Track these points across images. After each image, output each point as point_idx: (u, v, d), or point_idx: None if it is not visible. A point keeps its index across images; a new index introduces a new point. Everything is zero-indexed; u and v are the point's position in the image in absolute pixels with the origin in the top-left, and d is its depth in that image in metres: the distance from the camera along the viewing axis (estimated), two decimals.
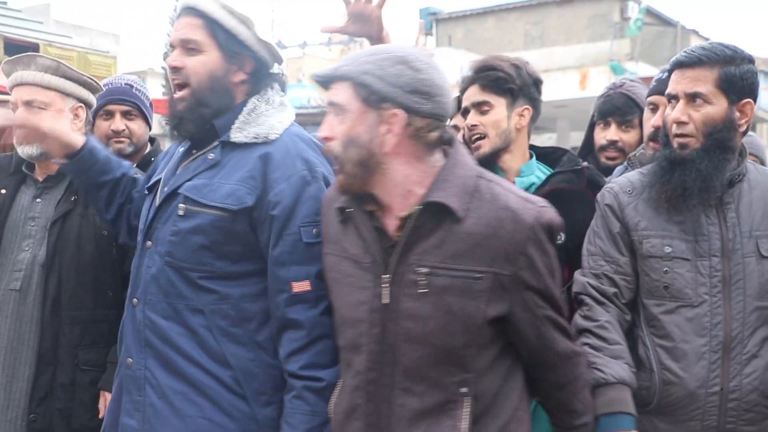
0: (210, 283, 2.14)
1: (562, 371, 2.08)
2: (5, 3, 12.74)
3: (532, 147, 2.88)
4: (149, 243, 2.24)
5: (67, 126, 2.61)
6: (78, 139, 2.38)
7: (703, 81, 2.29)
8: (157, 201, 2.28)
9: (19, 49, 12.56)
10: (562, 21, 30.73)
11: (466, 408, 1.91)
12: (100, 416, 2.79)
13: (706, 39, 30.73)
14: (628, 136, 3.13)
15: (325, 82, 2.01)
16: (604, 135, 3.20)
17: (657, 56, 26.70)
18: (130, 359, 2.23)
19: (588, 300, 2.35)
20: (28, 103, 2.86)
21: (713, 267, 2.30)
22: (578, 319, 2.36)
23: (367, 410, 1.96)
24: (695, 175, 2.28)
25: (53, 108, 2.88)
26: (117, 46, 27.24)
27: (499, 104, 2.65)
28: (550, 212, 1.99)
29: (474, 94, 2.70)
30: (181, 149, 2.37)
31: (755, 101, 2.42)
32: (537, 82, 2.78)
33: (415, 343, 1.91)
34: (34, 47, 12.40)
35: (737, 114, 2.34)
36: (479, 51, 23.24)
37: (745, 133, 2.43)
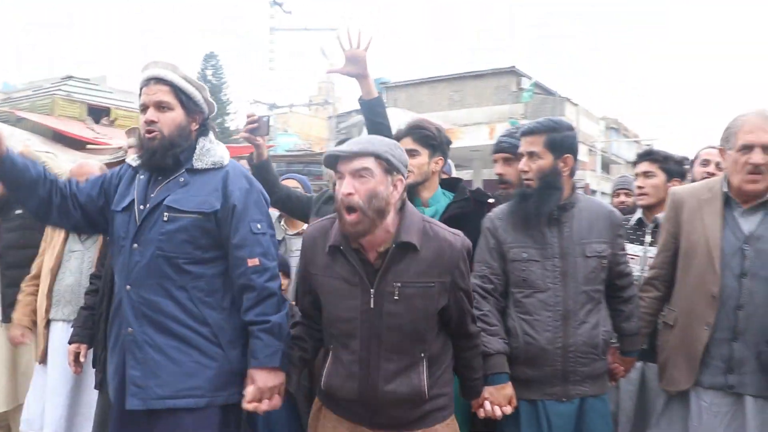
0: (190, 267, 2.60)
1: (467, 342, 2.65)
2: (88, 79, 16.33)
3: (441, 179, 3.32)
4: (135, 245, 2.60)
5: None
6: None
7: (537, 143, 2.85)
8: (137, 216, 2.63)
9: (97, 111, 15.29)
10: (476, 89, 33.91)
11: (423, 365, 2.49)
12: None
13: (576, 104, 33.40)
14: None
15: (350, 155, 2.37)
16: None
17: (542, 115, 31.09)
18: (130, 329, 2.58)
19: (476, 295, 2.78)
20: None
21: (555, 265, 2.86)
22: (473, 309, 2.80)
23: (361, 374, 2.47)
24: (532, 205, 2.86)
25: None
26: None
27: (424, 153, 3.16)
28: (467, 240, 2.55)
29: (408, 144, 3.13)
30: (141, 178, 2.70)
31: (575, 155, 2.90)
32: (448, 143, 3.30)
33: (393, 330, 2.45)
34: (107, 110, 15.46)
35: (561, 164, 2.87)
36: (417, 110, 26.24)
37: (571, 175, 2.93)
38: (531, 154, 2.89)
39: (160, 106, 2.63)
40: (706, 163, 4.06)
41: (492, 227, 2.98)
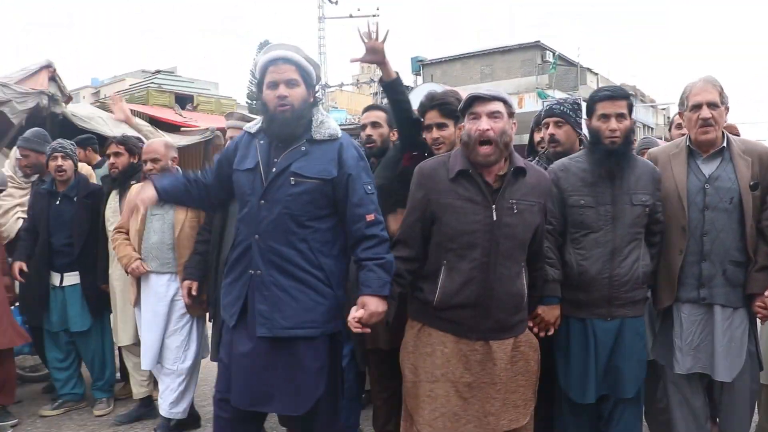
0: (310, 222, 2.82)
1: (538, 262, 2.97)
2: (172, 72, 18.00)
3: None
4: (263, 202, 2.80)
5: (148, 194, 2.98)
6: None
7: (623, 107, 3.13)
8: (264, 178, 2.81)
9: (182, 99, 16.55)
10: (504, 63, 35.62)
11: (524, 272, 2.84)
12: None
13: (596, 73, 34.78)
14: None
15: (487, 98, 2.73)
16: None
17: (565, 86, 31.77)
18: (259, 271, 2.80)
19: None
20: (233, 138, 3.54)
21: (607, 210, 3.11)
22: None
23: (480, 278, 2.71)
24: (616, 158, 3.11)
25: None
26: (218, 90, 29.12)
27: (451, 124, 3.30)
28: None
29: (435, 117, 3.32)
30: (262, 143, 2.88)
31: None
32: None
33: (509, 239, 2.73)
34: (191, 98, 16.96)
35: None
36: (452, 84, 27.03)
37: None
38: (619, 116, 3.12)
39: (290, 83, 2.82)
40: (679, 126, 4.41)
41: (555, 179, 3.18)
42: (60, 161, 4.71)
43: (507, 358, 2.81)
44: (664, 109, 42.44)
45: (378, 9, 34.39)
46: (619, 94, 3.16)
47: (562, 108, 3.56)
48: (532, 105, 22.09)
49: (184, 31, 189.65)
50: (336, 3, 29.72)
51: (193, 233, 4.19)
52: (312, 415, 2.92)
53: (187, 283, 4.03)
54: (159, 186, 2.99)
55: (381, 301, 2.76)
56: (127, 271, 4.32)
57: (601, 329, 3.15)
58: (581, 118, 3.57)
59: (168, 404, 4.26)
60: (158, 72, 17.60)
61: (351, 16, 29.77)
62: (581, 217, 3.15)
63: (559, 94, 26.68)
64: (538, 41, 35.08)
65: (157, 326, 4.23)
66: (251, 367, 2.84)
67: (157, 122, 12.47)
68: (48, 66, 7.29)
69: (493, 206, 2.74)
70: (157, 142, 4.46)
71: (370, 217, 2.83)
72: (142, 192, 2.99)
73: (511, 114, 2.78)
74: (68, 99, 7.74)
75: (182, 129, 11.00)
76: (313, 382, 2.85)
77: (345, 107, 34.38)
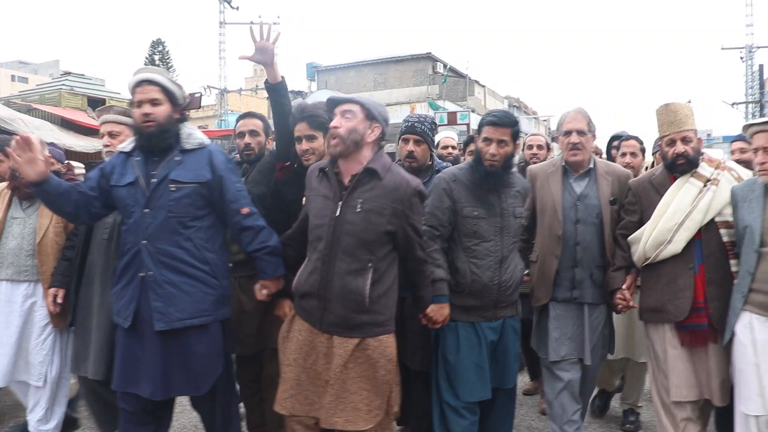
0: (193, 222, 3.06)
1: (414, 264, 3.04)
2: (83, 75, 17.59)
3: None
4: (147, 210, 3.01)
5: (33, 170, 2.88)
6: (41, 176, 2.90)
7: (506, 134, 3.30)
8: (146, 188, 3.03)
9: (95, 102, 16.15)
10: (397, 73, 36.39)
11: (370, 273, 2.83)
12: None
13: (483, 86, 35.78)
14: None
15: (342, 101, 2.92)
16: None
17: (454, 96, 33.34)
18: (150, 271, 2.99)
19: (426, 236, 3.17)
20: (110, 133, 3.70)
21: (496, 222, 3.32)
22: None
23: (322, 270, 2.85)
24: (495, 179, 3.32)
25: (123, 134, 3.67)
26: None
27: (320, 136, 3.37)
28: (423, 187, 2.96)
29: (305, 129, 3.41)
30: (137, 159, 3.09)
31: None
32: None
33: (350, 236, 2.82)
34: (103, 101, 16.50)
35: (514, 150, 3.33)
36: (345, 91, 29.06)
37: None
38: (501, 142, 3.29)
39: (154, 102, 3.06)
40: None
41: (447, 188, 3.34)
42: None
43: (346, 356, 2.84)
44: (545, 120, 44.73)
45: (279, 17, 34.45)
46: (504, 122, 3.31)
47: (423, 127, 3.72)
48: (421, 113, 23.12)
49: (68, 25, 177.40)
50: (237, 9, 29.54)
51: (58, 239, 3.93)
52: (212, 394, 3.19)
53: (52, 290, 3.79)
54: (50, 174, 3.01)
55: (278, 281, 3.20)
56: None
57: (489, 330, 3.37)
58: (435, 135, 3.86)
59: (36, 421, 4.01)
60: (68, 74, 17.20)
61: (252, 23, 29.60)
62: (475, 228, 3.32)
63: (449, 105, 28.71)
64: (430, 53, 35.88)
65: (10, 339, 3.90)
66: (153, 360, 3.03)
67: (70, 124, 12.47)
68: None
69: (340, 203, 2.89)
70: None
71: (245, 210, 3.12)
72: (27, 168, 2.92)
73: (372, 117, 2.94)
74: None
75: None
76: (211, 364, 3.11)
77: (243, 110, 33.31)
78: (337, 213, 2.87)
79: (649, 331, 3.55)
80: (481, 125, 3.39)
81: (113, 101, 16.52)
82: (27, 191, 3.84)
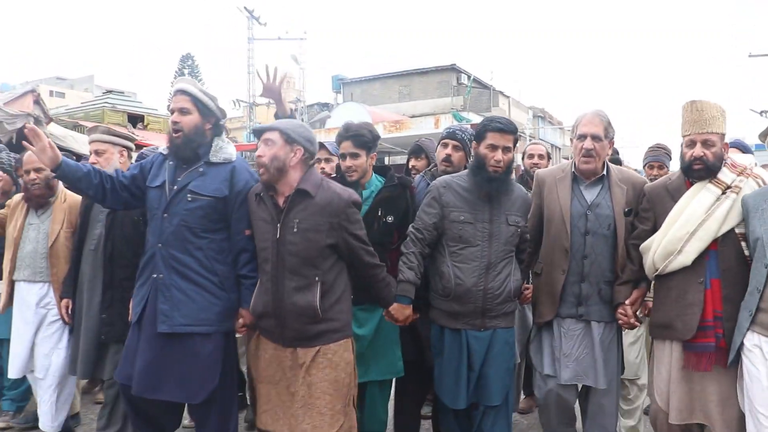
0: (205, 234, 3.14)
1: (365, 270, 3.11)
2: (122, 92, 18.88)
3: (374, 166, 3.62)
4: (166, 215, 3.12)
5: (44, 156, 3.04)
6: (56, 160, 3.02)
7: (510, 141, 3.27)
8: (168, 194, 3.14)
9: (134, 118, 17.55)
10: (421, 84, 36.28)
11: (318, 286, 2.94)
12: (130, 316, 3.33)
13: (508, 97, 35.53)
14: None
15: (264, 130, 3.02)
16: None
17: (478, 107, 32.65)
18: (161, 275, 3.10)
19: (408, 238, 3.29)
20: (96, 151, 3.89)
21: (484, 227, 3.24)
22: (402, 247, 3.30)
23: (272, 290, 2.97)
24: (497, 185, 3.25)
25: (108, 152, 3.90)
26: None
27: (363, 154, 3.48)
28: (355, 195, 3.04)
29: (349, 147, 3.47)
30: (170, 163, 3.20)
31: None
32: (378, 138, 3.59)
33: (292, 255, 2.92)
34: (141, 117, 17.81)
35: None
36: (371, 103, 29.24)
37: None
38: (506, 149, 3.24)
39: (182, 111, 3.18)
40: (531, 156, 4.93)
41: (437, 194, 3.31)
42: None
43: (309, 362, 2.98)
44: (570, 130, 44.30)
45: (305, 32, 34.94)
46: (509, 129, 3.29)
47: (462, 135, 3.81)
48: (447, 125, 22.75)
49: (101, 40, 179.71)
50: (265, 25, 30.27)
51: (68, 244, 4.14)
52: (209, 404, 3.21)
53: (65, 302, 4.01)
54: (63, 158, 3.13)
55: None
56: None
57: (474, 339, 3.28)
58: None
59: (43, 417, 4.21)
60: (110, 92, 18.15)
61: (279, 39, 30.41)
62: (460, 232, 3.27)
63: (473, 116, 27.58)
64: (454, 64, 35.83)
65: (27, 334, 4.16)
66: (150, 359, 3.11)
67: None
68: (32, 91, 8.17)
69: (278, 225, 2.99)
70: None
71: (248, 232, 3.18)
72: (42, 156, 3.07)
73: (292, 141, 3.01)
74: (49, 120, 8.36)
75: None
76: (208, 374, 3.14)
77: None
78: (278, 235, 2.98)
79: (656, 347, 3.26)
80: (484, 131, 3.32)
81: (151, 117, 17.72)
82: (38, 201, 4.15)
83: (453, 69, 36.09)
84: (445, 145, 3.87)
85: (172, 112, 3.24)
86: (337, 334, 3.03)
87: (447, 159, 3.82)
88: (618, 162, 4.76)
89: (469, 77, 34.81)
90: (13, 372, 4.19)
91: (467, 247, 3.26)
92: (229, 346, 3.28)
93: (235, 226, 3.19)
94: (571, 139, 3.48)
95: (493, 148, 3.25)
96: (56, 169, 3.10)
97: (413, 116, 25.86)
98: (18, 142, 6.26)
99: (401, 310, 3.22)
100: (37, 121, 7.78)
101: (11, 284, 4.26)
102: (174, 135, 3.20)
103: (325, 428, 2.95)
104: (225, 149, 3.27)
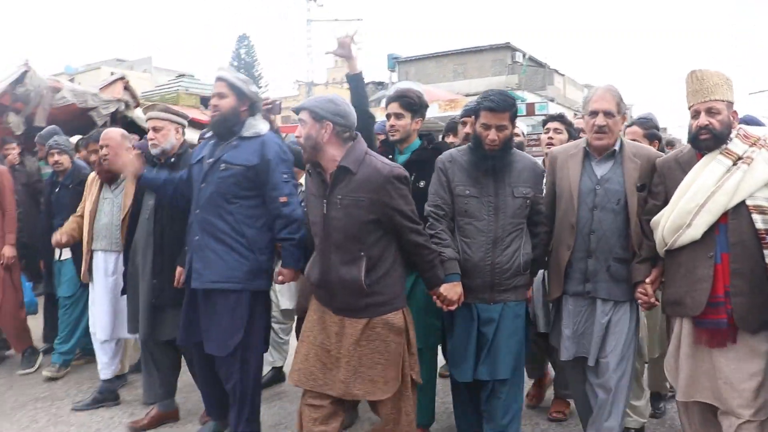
0: (236, 200, 3.39)
1: (411, 248, 3.06)
2: (193, 76, 18.27)
3: (420, 133, 3.74)
4: (203, 185, 3.42)
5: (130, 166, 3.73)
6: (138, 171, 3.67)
7: (505, 119, 3.22)
8: (206, 165, 3.43)
9: (205, 100, 16.01)
10: (476, 63, 36.00)
11: (363, 261, 2.93)
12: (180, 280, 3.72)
13: (563, 75, 34.68)
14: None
15: (297, 110, 3.03)
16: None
17: (533, 86, 32.10)
18: (197, 237, 3.41)
19: (430, 218, 3.22)
20: (154, 128, 4.10)
21: (489, 201, 3.21)
22: (428, 229, 3.18)
23: (321, 262, 3.03)
24: (494, 162, 3.24)
25: (166, 128, 4.12)
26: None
27: (407, 116, 3.58)
28: (398, 169, 2.98)
29: (396, 108, 3.56)
30: (211, 142, 3.53)
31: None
32: (426, 106, 3.68)
33: (337, 230, 2.95)
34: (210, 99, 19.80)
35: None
36: (425, 82, 28.10)
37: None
38: (499, 127, 3.21)
39: (220, 95, 3.48)
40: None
41: (443, 168, 3.32)
42: (56, 157, 5.31)
43: (358, 335, 3.00)
44: (627, 109, 43.48)
45: (361, 18, 35.23)
46: (502, 107, 3.20)
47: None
48: None
49: (159, 21, 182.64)
50: (322, 6, 31.04)
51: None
52: (233, 359, 3.47)
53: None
54: (146, 171, 3.78)
55: (295, 273, 3.50)
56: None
57: (484, 311, 3.27)
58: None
59: (101, 372, 4.68)
60: (182, 76, 18.38)
61: (336, 20, 31.11)
62: (465, 206, 3.26)
63: (528, 95, 27.92)
64: (509, 42, 35.29)
65: (106, 300, 4.53)
66: (186, 313, 3.55)
67: (189, 121, 13.93)
68: (122, 78, 8.92)
69: (324, 201, 3.02)
70: (114, 131, 4.70)
71: (283, 199, 3.41)
72: (131, 164, 3.74)
73: (320, 118, 3.00)
74: (137, 105, 8.93)
75: None
76: (233, 328, 3.42)
77: None
78: (324, 210, 3.02)
79: (673, 324, 3.18)
80: (477, 109, 3.29)
81: None
82: (107, 176, 4.54)
83: (507, 47, 35.63)
84: (465, 124, 3.97)
85: (212, 97, 3.58)
86: (384, 307, 3.03)
87: (467, 138, 3.79)
88: (672, 144, 4.72)
89: (524, 55, 34.36)
90: (102, 334, 4.58)
91: (474, 221, 3.27)
92: (257, 306, 3.52)
93: (270, 193, 3.43)
94: (583, 115, 3.45)
95: (486, 127, 3.23)
96: (138, 180, 3.78)
97: (468, 95, 25.00)
98: (113, 125, 7.07)
99: (453, 289, 3.15)
100: (126, 106, 8.56)
101: (90, 254, 4.63)
102: (212, 115, 3.56)
103: (377, 394, 3.02)
104: (256, 126, 3.55)
